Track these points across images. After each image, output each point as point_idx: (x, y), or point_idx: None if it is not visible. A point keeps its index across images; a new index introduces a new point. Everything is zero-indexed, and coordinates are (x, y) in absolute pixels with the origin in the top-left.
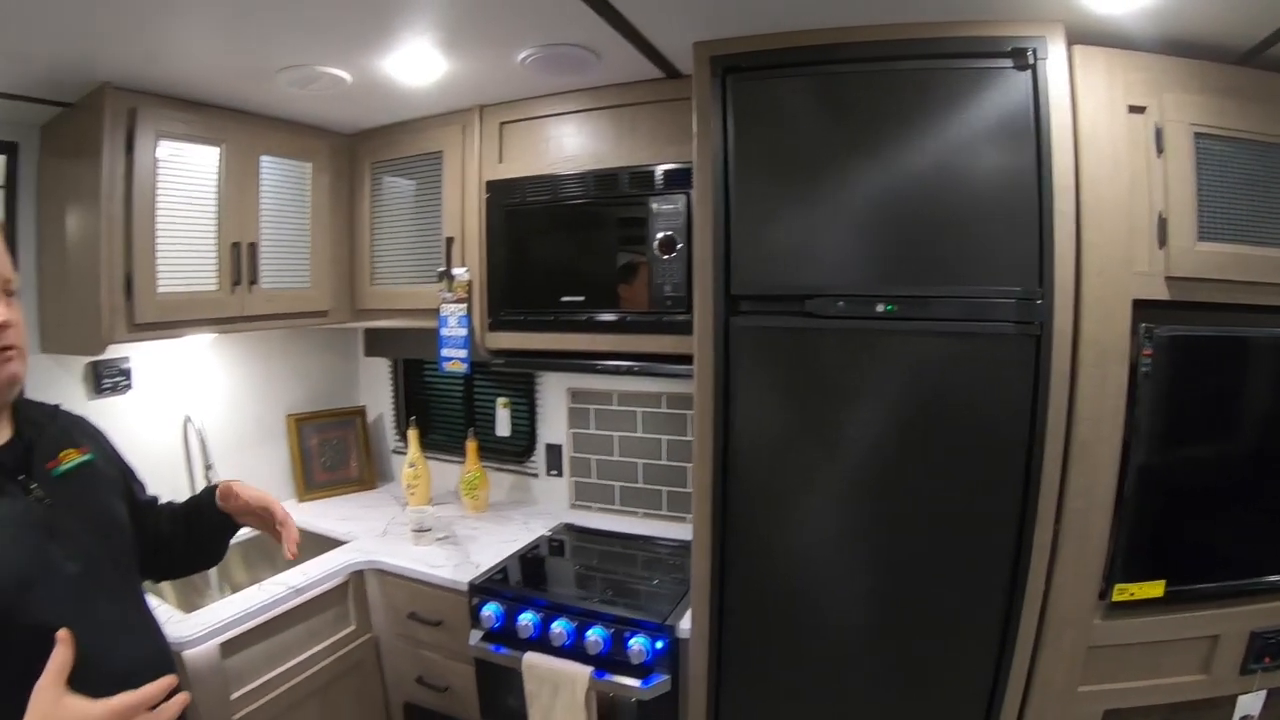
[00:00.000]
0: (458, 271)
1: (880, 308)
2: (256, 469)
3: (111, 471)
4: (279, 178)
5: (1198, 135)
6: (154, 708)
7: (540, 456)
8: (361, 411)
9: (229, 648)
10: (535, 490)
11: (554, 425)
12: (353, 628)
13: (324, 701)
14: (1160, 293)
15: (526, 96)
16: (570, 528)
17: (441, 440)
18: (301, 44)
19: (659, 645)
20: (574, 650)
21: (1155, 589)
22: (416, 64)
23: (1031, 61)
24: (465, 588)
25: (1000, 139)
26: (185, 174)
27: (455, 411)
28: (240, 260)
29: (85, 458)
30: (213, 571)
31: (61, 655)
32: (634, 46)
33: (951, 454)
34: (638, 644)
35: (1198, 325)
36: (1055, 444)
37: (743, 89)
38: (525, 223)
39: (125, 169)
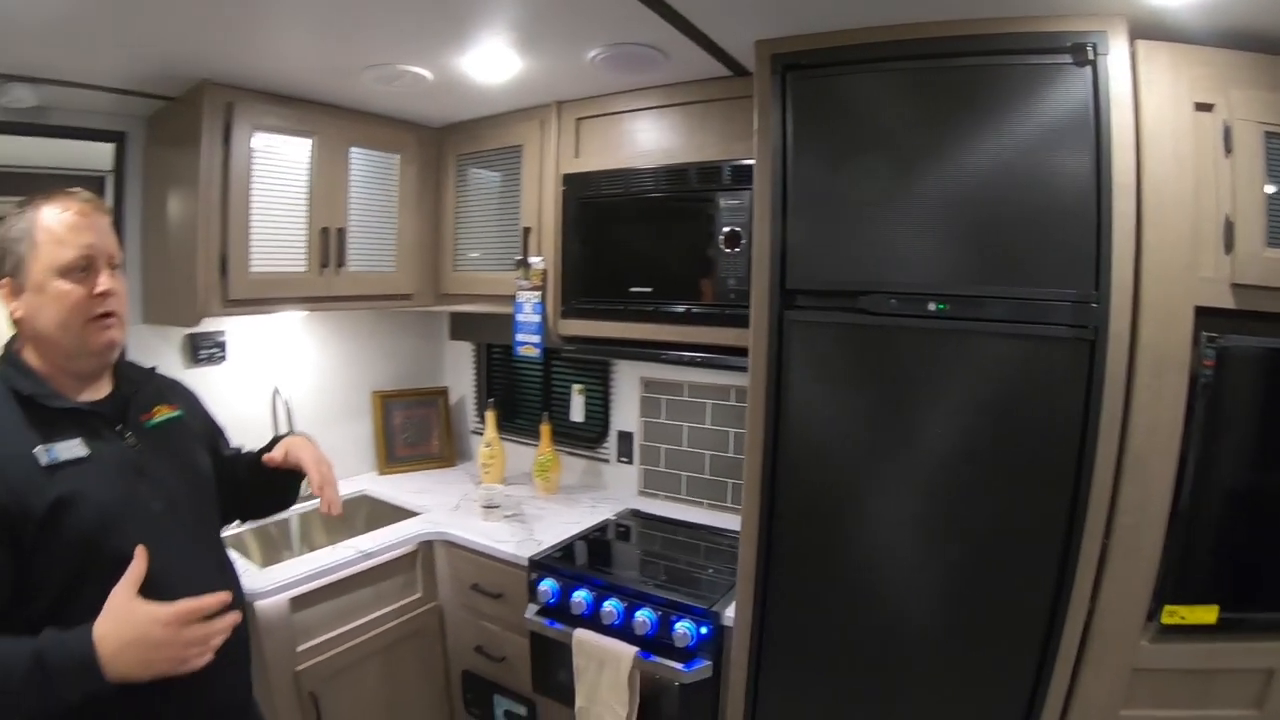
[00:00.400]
0: (534, 260)
1: (932, 306)
2: (341, 442)
3: (198, 427)
4: (368, 167)
5: (1269, 134)
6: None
7: (612, 443)
8: (444, 392)
9: (299, 602)
10: (606, 476)
11: (627, 413)
12: (419, 595)
13: (386, 662)
14: (1225, 300)
15: (601, 93)
16: (635, 514)
17: (519, 423)
18: (385, 44)
19: (704, 631)
20: (622, 630)
21: (1208, 614)
22: (492, 62)
23: (1091, 57)
24: (525, 563)
25: (1059, 136)
26: (279, 163)
27: (533, 396)
28: (329, 244)
29: (175, 414)
30: (295, 531)
31: (137, 567)
32: (698, 46)
33: (999, 458)
34: (683, 628)
35: (1265, 336)
36: (1108, 454)
37: (802, 86)
38: (598, 215)
39: (222, 158)
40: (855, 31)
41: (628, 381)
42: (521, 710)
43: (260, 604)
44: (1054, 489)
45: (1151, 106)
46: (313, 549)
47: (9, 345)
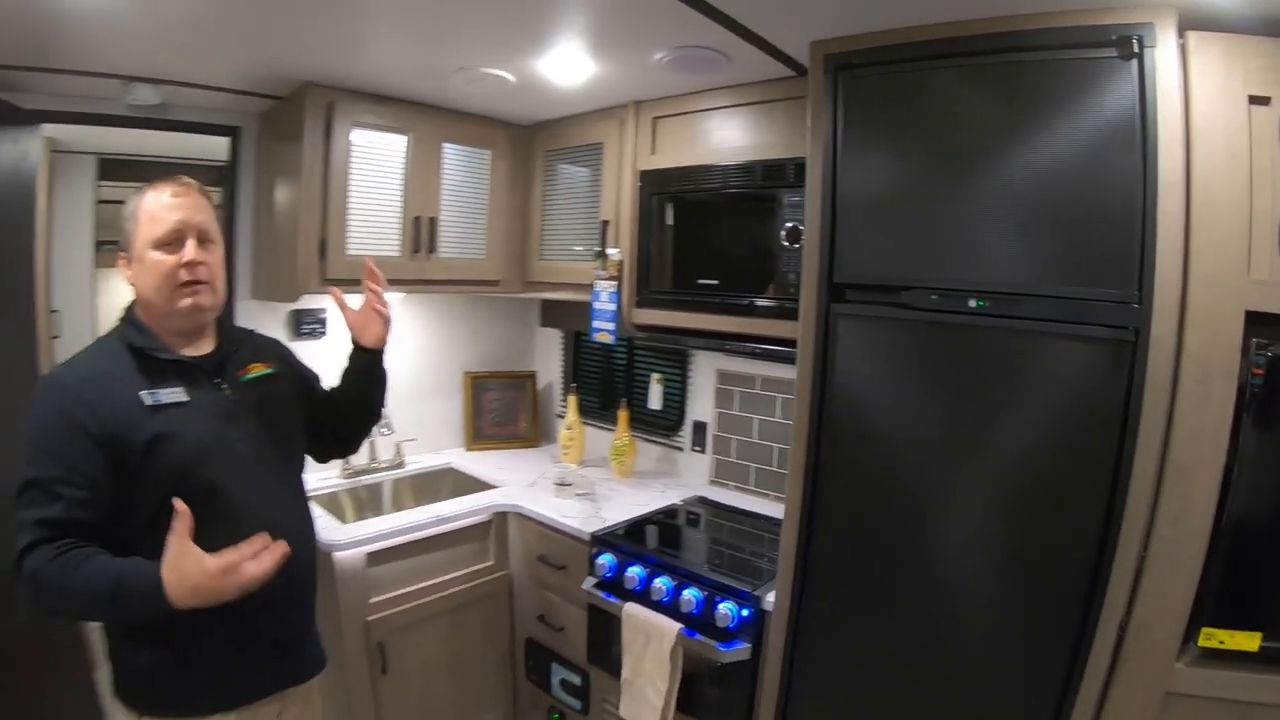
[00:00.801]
0: (611, 251)
1: (972, 303)
2: (431, 417)
3: (291, 381)
4: (460, 161)
5: None
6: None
7: (687, 432)
8: (532, 376)
9: (375, 558)
10: (680, 463)
11: (702, 404)
12: (490, 562)
13: (452, 622)
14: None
15: (675, 94)
16: (702, 500)
17: (600, 409)
18: (470, 49)
19: (745, 613)
20: (670, 607)
21: (1250, 641)
22: (568, 65)
23: (1136, 50)
24: (588, 538)
25: (1103, 133)
26: (376, 157)
27: (615, 383)
28: (421, 231)
29: (268, 371)
30: (387, 494)
31: (182, 520)
32: (757, 48)
33: (1035, 459)
34: (725, 609)
35: None
36: (1147, 461)
37: (852, 85)
38: (671, 209)
39: (323, 152)
40: (904, 30)
41: (704, 373)
42: (576, 680)
43: (338, 555)
44: (1090, 495)
45: (1202, 100)
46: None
47: (129, 307)
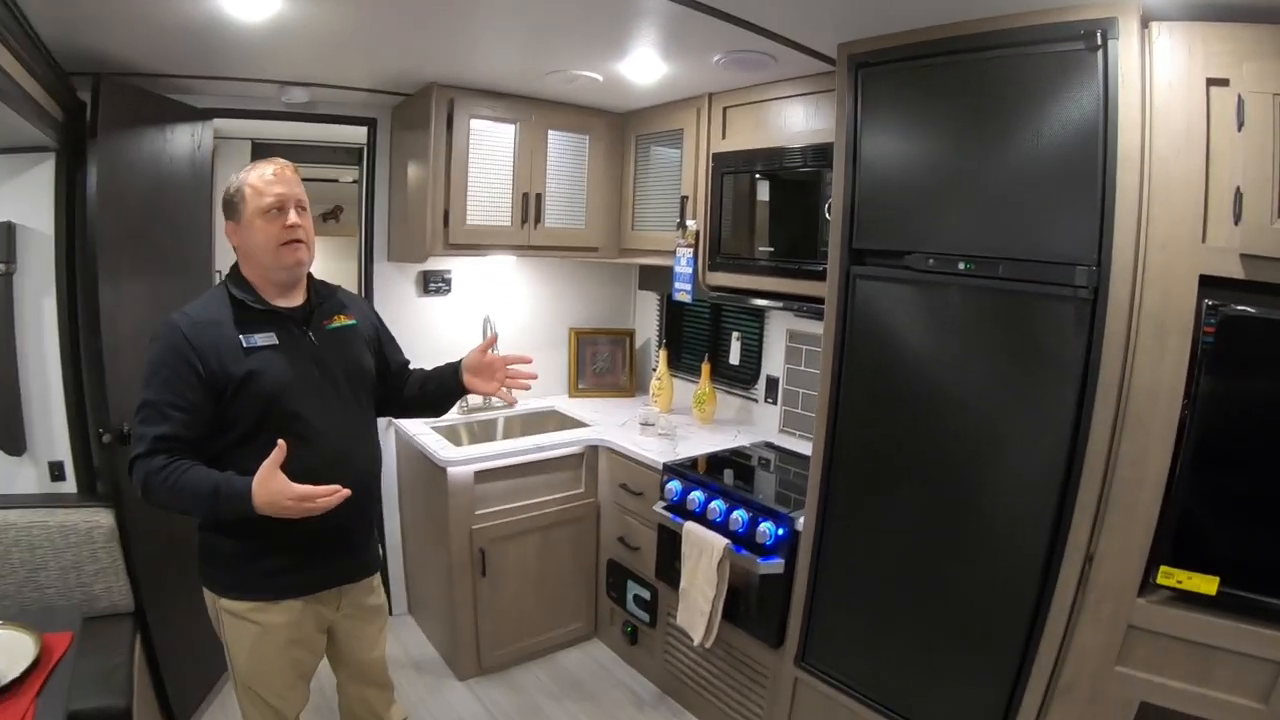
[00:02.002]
0: (689, 222)
1: (961, 265)
2: (538, 366)
3: (368, 333)
4: (563, 145)
5: None
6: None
7: (762, 385)
8: (631, 333)
9: (482, 476)
10: (755, 414)
11: (775, 360)
12: (581, 490)
13: (545, 539)
14: (1233, 270)
15: (741, 86)
16: (768, 445)
17: (687, 362)
18: (562, 56)
19: (780, 532)
20: (722, 526)
21: (1207, 584)
22: (643, 67)
23: (1100, 43)
24: (660, 466)
25: (1072, 117)
26: (490, 142)
27: (701, 340)
28: (529, 205)
29: (350, 323)
30: (500, 427)
31: (279, 452)
32: (797, 50)
33: (1011, 400)
34: (764, 528)
35: (1274, 308)
36: (1105, 409)
37: (870, 80)
38: (736, 186)
39: (445, 139)
40: (911, 33)
41: (777, 332)
42: (646, 595)
43: (451, 471)
44: (1055, 435)
45: (1163, 85)
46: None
47: (234, 267)
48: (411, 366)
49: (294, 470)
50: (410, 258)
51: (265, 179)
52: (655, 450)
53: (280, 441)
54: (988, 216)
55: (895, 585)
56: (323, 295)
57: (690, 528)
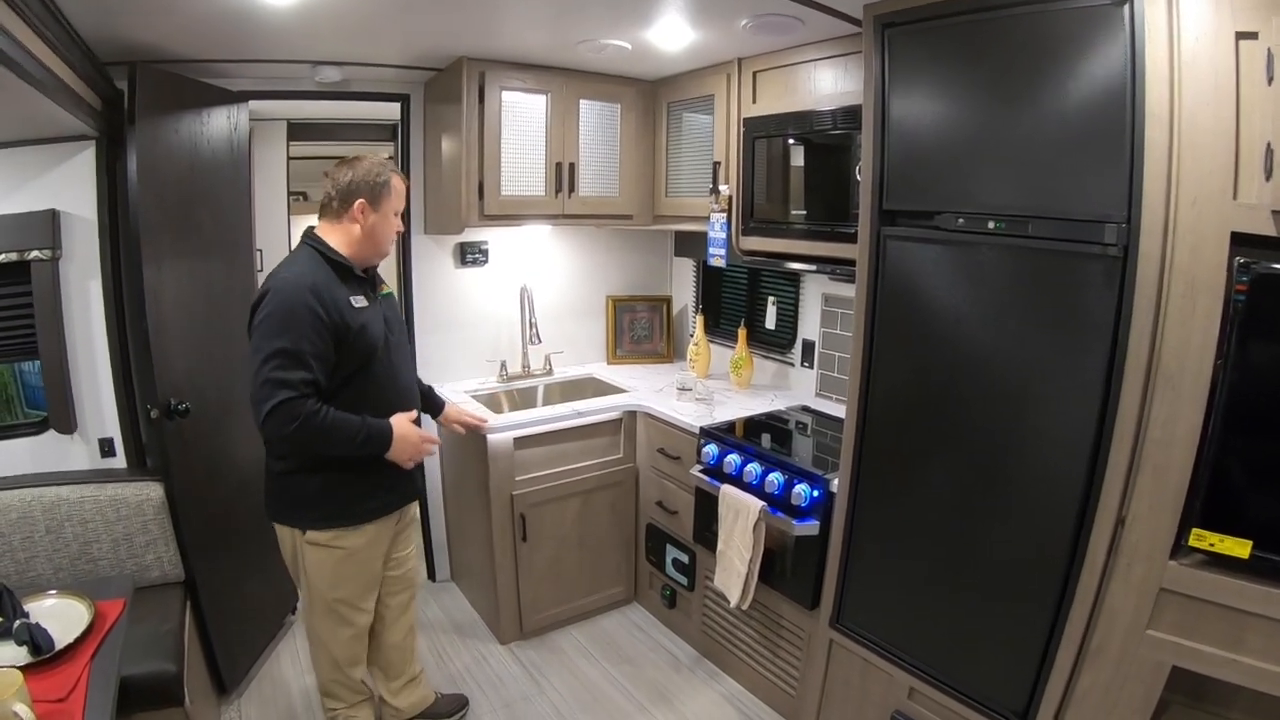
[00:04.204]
0: (722, 187)
1: (991, 224)
2: (577, 334)
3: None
4: (594, 114)
5: None
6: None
7: (798, 350)
8: (668, 300)
9: (521, 443)
10: (791, 378)
11: (811, 324)
12: (620, 455)
13: (584, 504)
14: (1265, 227)
15: (769, 51)
16: (805, 409)
17: (726, 328)
18: (591, 25)
19: (815, 494)
20: (758, 489)
21: (1240, 548)
22: (671, 34)
23: None
24: (697, 430)
25: (1098, 75)
26: (522, 114)
27: (738, 305)
28: (561, 174)
29: (390, 291)
30: (540, 394)
31: (411, 413)
32: (822, 12)
33: (1042, 360)
34: (800, 490)
35: None
36: (1136, 369)
37: (896, 40)
38: (767, 151)
39: (478, 112)
40: None
41: (812, 296)
42: (685, 559)
43: (491, 438)
44: (1087, 395)
45: (1190, 39)
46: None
47: (315, 235)
48: None
49: (382, 407)
50: (447, 230)
51: (403, 188)
52: (692, 415)
53: (409, 414)
54: (1016, 175)
55: (929, 547)
56: (373, 268)
57: (726, 490)
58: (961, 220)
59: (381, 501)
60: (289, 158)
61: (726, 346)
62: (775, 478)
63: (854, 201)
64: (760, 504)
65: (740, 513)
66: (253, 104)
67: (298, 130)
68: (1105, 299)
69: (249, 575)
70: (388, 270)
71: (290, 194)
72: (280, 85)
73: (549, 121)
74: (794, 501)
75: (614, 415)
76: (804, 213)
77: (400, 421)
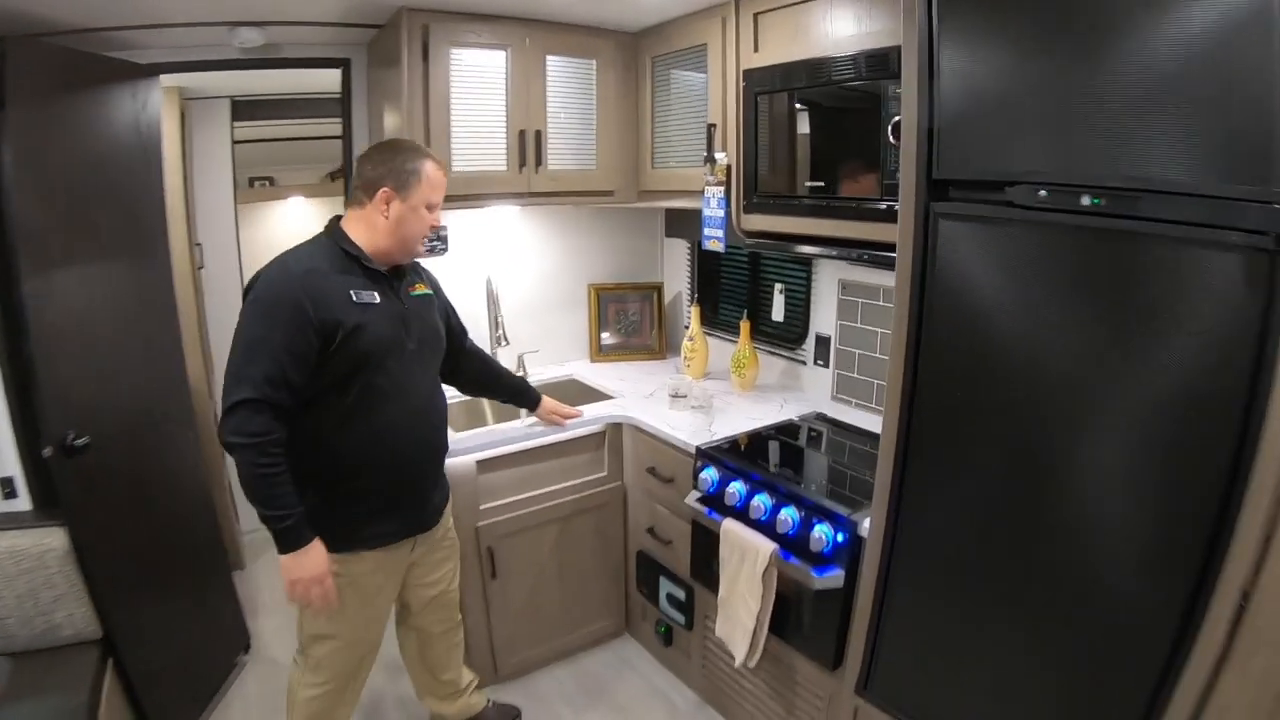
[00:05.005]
0: (718, 155)
1: (1086, 200)
2: (556, 329)
3: (440, 304)
4: (565, 73)
5: None
6: None
7: (810, 345)
8: (659, 288)
9: (485, 466)
10: (803, 378)
11: (825, 316)
12: (604, 473)
13: (564, 531)
14: None
15: None
16: (821, 417)
17: (726, 320)
18: None
19: (840, 538)
20: (768, 526)
21: None
22: None
23: None
24: (692, 450)
25: (1238, 4)
26: (477, 74)
27: (740, 293)
28: (526, 145)
29: (428, 292)
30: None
31: (323, 565)
32: None
33: (1151, 385)
34: (820, 532)
35: None
36: None
37: None
38: (774, 109)
39: (422, 73)
40: None
41: (827, 283)
42: (681, 595)
43: (448, 462)
44: (1213, 437)
45: None
46: None
47: (338, 222)
48: (469, 338)
49: (377, 424)
50: None
51: (440, 179)
52: (687, 429)
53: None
54: (1125, 136)
55: (986, 610)
56: (406, 265)
57: (729, 527)
58: (1044, 193)
59: (380, 529)
60: (235, 140)
61: (727, 341)
62: (789, 515)
63: (886, 170)
64: (771, 547)
65: (746, 556)
66: (189, 82)
67: (244, 109)
68: (1247, 306)
69: (186, 620)
70: None
71: (253, 180)
72: (198, 55)
73: (510, 83)
74: (813, 547)
75: (596, 428)
76: (820, 184)
77: (315, 555)
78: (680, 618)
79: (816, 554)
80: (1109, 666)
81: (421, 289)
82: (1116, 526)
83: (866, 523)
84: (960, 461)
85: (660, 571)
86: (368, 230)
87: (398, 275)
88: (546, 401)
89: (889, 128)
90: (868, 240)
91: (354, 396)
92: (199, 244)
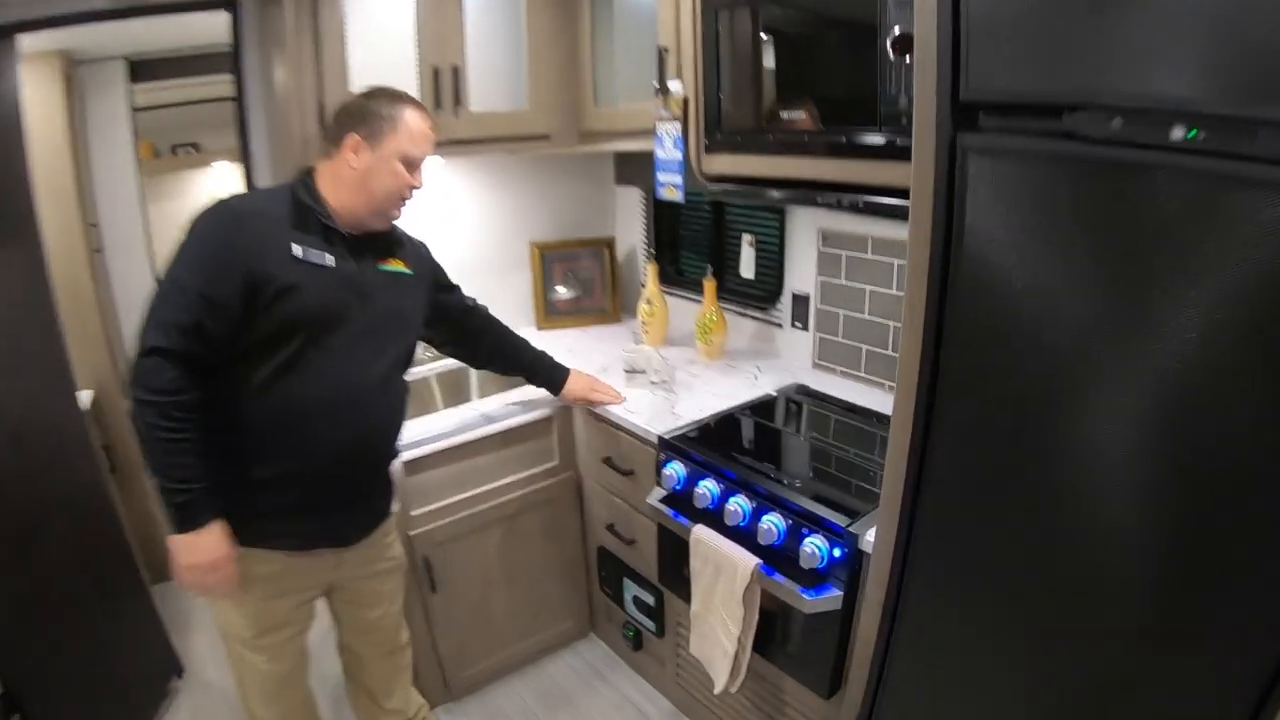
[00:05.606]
0: (673, 86)
1: (1177, 133)
2: (496, 295)
3: (423, 286)
4: None
5: None
6: None
7: (786, 305)
8: (610, 243)
9: (414, 466)
10: (778, 342)
11: (802, 271)
12: (555, 463)
13: (509, 531)
14: None
15: None
16: (803, 390)
17: (689, 277)
18: None
19: (836, 554)
20: (747, 534)
21: None
22: None
23: None
24: (654, 439)
25: None
26: (376, 5)
27: (703, 246)
28: (442, 84)
29: (405, 272)
30: (438, 385)
31: (223, 549)
32: None
33: (1254, 379)
34: (813, 546)
35: None
36: None
37: None
38: (737, 26)
39: (310, 7)
40: None
41: (804, 233)
42: (650, 600)
43: None
44: None
45: None
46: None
47: (307, 172)
48: (476, 303)
49: (300, 404)
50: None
51: (424, 129)
52: (647, 412)
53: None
54: (1233, 45)
55: (1021, 642)
56: (384, 232)
57: (701, 536)
58: (1118, 121)
59: (291, 530)
60: (139, 107)
61: (690, 301)
62: (773, 524)
63: (885, 91)
64: (752, 563)
65: (723, 571)
66: (77, 43)
67: (144, 70)
68: None
69: (103, 654)
70: None
71: (176, 147)
72: (61, 8)
73: (420, 11)
74: (804, 563)
75: (543, 412)
76: (798, 115)
77: (213, 538)
78: (650, 624)
79: (809, 571)
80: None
81: (397, 265)
82: (1200, 540)
83: (870, 534)
84: (995, 465)
85: (624, 572)
86: (333, 183)
87: (370, 243)
88: (577, 379)
89: (887, 40)
90: (860, 183)
91: (277, 367)
92: (94, 225)
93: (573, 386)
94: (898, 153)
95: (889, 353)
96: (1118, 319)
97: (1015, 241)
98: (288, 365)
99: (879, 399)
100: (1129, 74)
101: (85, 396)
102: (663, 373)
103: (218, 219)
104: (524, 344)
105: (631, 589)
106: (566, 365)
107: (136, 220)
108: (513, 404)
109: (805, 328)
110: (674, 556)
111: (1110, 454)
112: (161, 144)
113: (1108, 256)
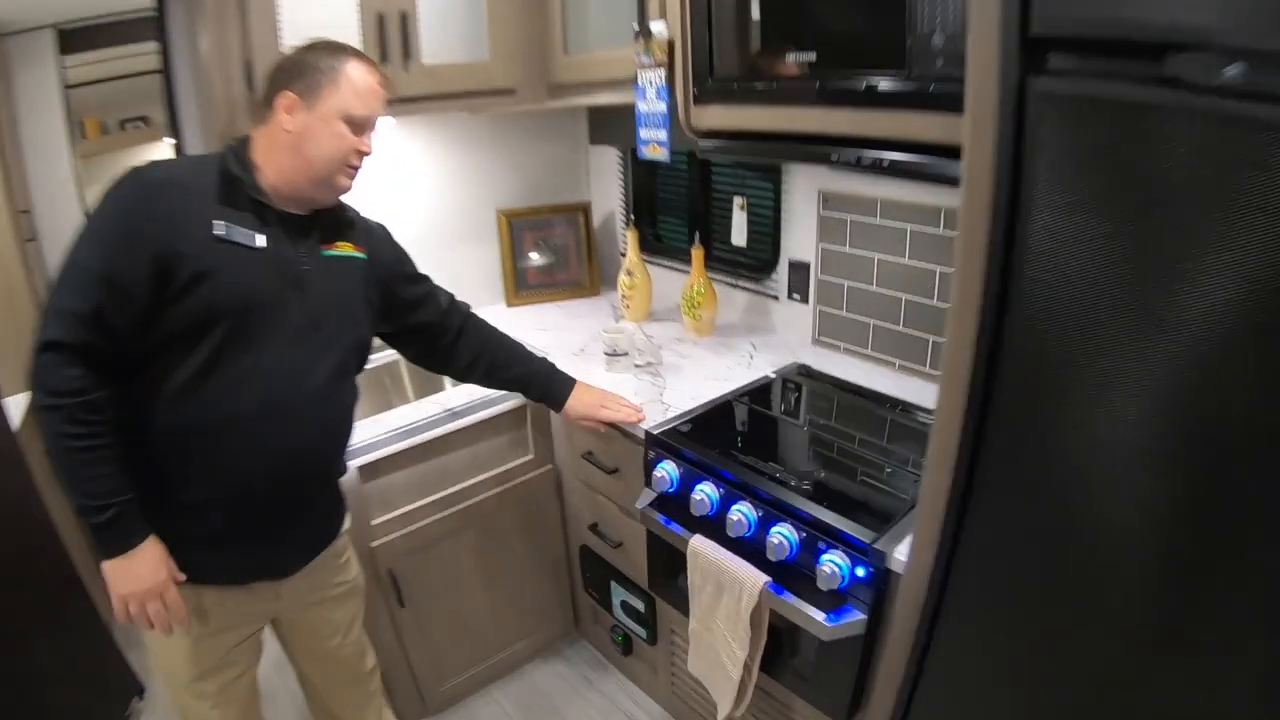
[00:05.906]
0: (655, 27)
1: None
2: (461, 270)
3: (378, 274)
4: None
5: None
6: None
7: (782, 275)
8: (585, 208)
9: (370, 471)
10: (774, 316)
11: (801, 238)
12: (530, 457)
13: (483, 533)
14: None
15: None
16: (804, 371)
17: (673, 245)
18: None
19: (860, 572)
20: (753, 546)
21: None
22: None
23: None
24: (641, 435)
25: None
26: None
27: (688, 212)
28: (388, 32)
29: (356, 255)
30: (401, 375)
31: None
32: None
33: None
34: (831, 565)
35: None
36: None
37: None
38: None
39: None
40: None
41: (803, 195)
42: (639, 605)
43: None
44: None
45: None
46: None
47: (241, 141)
48: (455, 300)
49: (220, 411)
50: (218, 141)
51: (370, 84)
52: (632, 400)
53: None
54: None
55: (1106, 659)
56: (331, 212)
57: (699, 547)
58: (1237, 68)
59: (218, 561)
60: (69, 84)
61: (676, 271)
62: (784, 535)
63: (915, 26)
64: (760, 581)
65: (725, 588)
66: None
67: (76, 39)
68: None
69: (52, 685)
70: None
71: (124, 122)
72: None
73: None
74: (822, 584)
75: (514, 403)
76: (810, 58)
77: (149, 559)
78: (641, 630)
79: (827, 594)
80: None
81: (345, 249)
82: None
83: (900, 549)
84: (1060, 473)
85: (611, 575)
86: (268, 150)
87: (313, 223)
88: (583, 393)
89: None
90: (879, 137)
91: (195, 370)
92: (25, 211)
93: (577, 402)
94: (924, 100)
95: (900, 329)
96: (1203, 298)
97: (1099, 206)
98: (207, 368)
99: (891, 381)
100: (1244, 15)
101: (17, 401)
102: (648, 354)
103: (128, 190)
104: (516, 349)
105: (619, 593)
106: (569, 374)
107: (73, 205)
108: (478, 396)
109: (804, 300)
110: (666, 563)
111: (1177, 464)
112: (109, 120)
113: (1204, 225)
